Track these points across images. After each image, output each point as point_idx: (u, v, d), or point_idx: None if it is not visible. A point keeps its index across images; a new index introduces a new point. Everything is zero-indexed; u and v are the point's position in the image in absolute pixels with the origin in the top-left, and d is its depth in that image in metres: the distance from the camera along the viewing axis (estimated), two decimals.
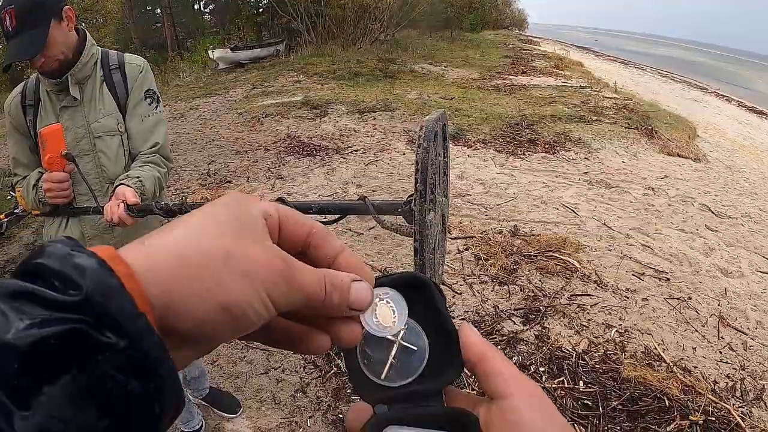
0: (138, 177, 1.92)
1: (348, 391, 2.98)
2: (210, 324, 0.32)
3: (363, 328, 0.40)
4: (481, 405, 0.39)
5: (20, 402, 0.24)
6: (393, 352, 0.42)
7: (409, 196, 1.20)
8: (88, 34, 2.06)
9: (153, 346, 0.28)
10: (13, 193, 2.33)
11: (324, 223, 1.43)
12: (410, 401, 0.41)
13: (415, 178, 1.11)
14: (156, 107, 2.15)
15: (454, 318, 3.54)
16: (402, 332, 0.42)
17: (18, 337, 0.24)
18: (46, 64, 1.90)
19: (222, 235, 0.34)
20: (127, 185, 1.86)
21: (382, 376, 0.42)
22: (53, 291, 0.27)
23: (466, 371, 0.41)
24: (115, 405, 0.26)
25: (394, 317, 0.42)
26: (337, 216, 1.39)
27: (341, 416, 2.82)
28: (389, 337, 0.42)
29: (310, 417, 2.84)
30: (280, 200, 1.39)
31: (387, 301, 0.42)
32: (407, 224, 1.24)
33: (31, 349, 0.24)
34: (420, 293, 0.44)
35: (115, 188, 1.87)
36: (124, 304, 0.27)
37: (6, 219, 4.86)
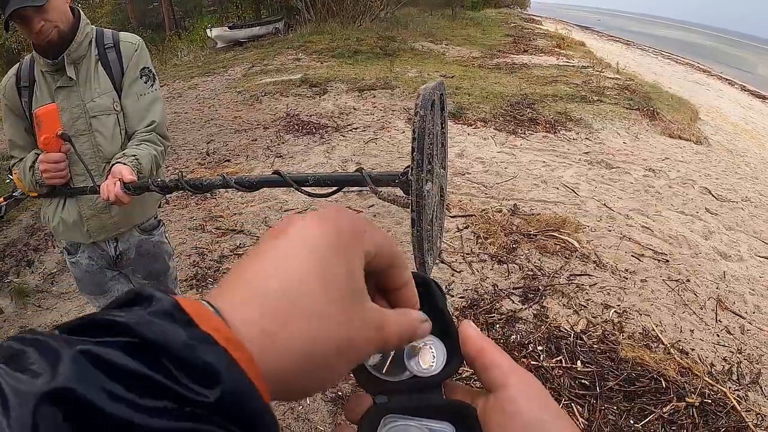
0: (134, 155, 1.90)
1: None
2: (311, 393, 0.34)
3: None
4: (479, 397, 0.40)
5: None
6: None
7: (406, 167, 1.18)
8: (82, 13, 2.02)
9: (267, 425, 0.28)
10: (11, 176, 2.31)
11: (321, 196, 1.42)
12: (410, 393, 0.42)
13: (412, 147, 1.09)
14: (152, 85, 2.13)
15: (453, 296, 3.54)
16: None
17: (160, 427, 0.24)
18: (45, 30, 1.86)
19: (331, 315, 0.33)
20: (124, 163, 1.84)
21: (383, 370, 0.43)
22: (180, 386, 0.25)
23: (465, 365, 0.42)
24: None
25: (433, 361, 0.43)
26: (333, 188, 1.37)
27: (340, 394, 2.84)
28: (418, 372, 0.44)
29: None
30: (277, 173, 1.37)
31: (429, 347, 0.44)
32: (404, 196, 1.22)
33: None
34: (422, 291, 0.44)
35: (111, 167, 1.85)
36: (257, 405, 0.27)
37: (5, 202, 4.83)
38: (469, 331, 0.42)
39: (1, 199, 4.91)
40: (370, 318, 0.35)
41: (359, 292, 0.35)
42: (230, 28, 18.56)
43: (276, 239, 0.35)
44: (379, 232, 0.38)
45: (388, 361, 0.43)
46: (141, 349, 0.25)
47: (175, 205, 5.15)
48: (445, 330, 0.44)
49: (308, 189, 1.36)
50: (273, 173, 1.39)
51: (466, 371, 2.46)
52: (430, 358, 0.43)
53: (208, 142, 7.17)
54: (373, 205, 4.76)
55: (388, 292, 0.41)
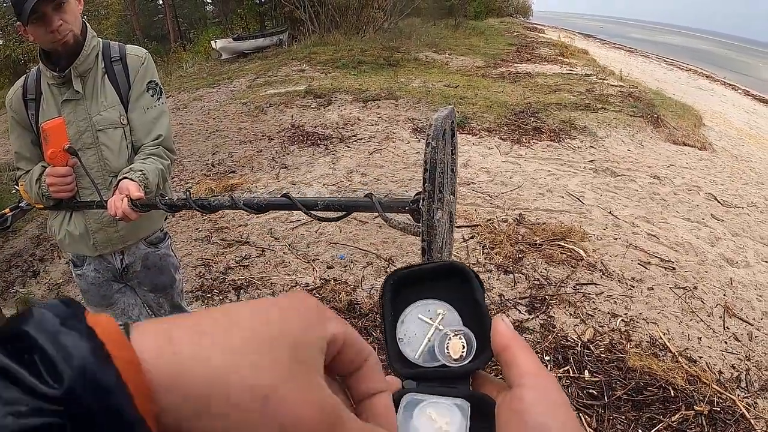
0: (141, 170, 1.91)
1: None
2: None
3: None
4: (504, 392, 0.40)
5: None
6: (430, 334, 0.44)
7: (417, 194, 1.18)
8: (88, 25, 2.04)
9: None
10: (17, 187, 2.32)
11: (330, 219, 1.42)
12: (439, 381, 0.43)
13: (424, 178, 1.09)
14: (158, 99, 2.14)
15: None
16: (441, 316, 0.45)
17: None
18: (62, 30, 1.88)
19: (270, 367, 0.28)
20: (131, 179, 1.85)
21: (417, 355, 0.44)
22: (35, 374, 0.22)
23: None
24: None
25: (463, 351, 0.43)
26: (342, 213, 1.38)
27: None
28: (427, 320, 0.44)
29: None
30: (286, 196, 1.38)
31: (460, 337, 0.43)
32: (414, 222, 1.22)
33: None
34: (461, 282, 0.45)
35: (118, 182, 1.86)
36: (122, 405, 0.23)
37: (11, 213, 4.85)
38: (501, 326, 0.41)
39: (8, 209, 4.93)
40: (323, 395, 0.30)
41: (314, 367, 0.31)
42: (235, 39, 18.70)
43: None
44: (351, 329, 0.35)
45: (422, 348, 0.44)
46: (15, 341, 0.23)
47: (180, 217, 5.17)
48: (479, 322, 0.44)
49: (317, 213, 1.37)
50: (282, 196, 1.39)
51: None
52: (460, 348, 0.43)
53: (214, 153, 7.20)
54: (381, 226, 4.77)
55: (360, 402, 0.37)
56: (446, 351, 0.43)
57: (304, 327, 0.32)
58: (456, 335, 0.43)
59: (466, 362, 0.43)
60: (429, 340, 0.44)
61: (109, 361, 0.23)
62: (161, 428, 0.25)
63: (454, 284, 0.46)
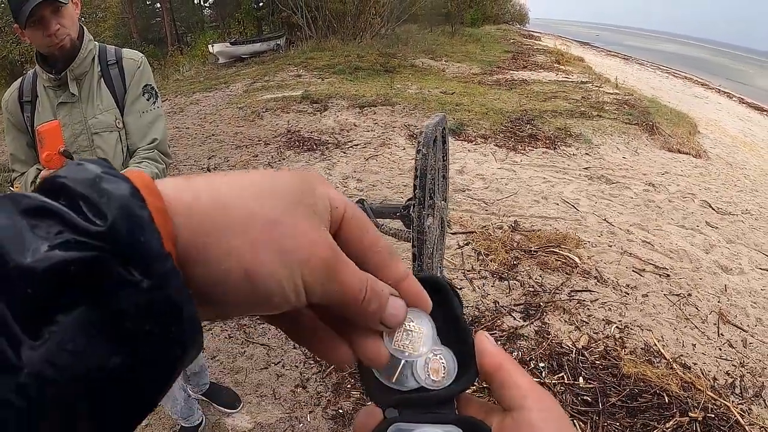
0: None
1: (348, 386, 2.98)
2: (229, 288, 0.29)
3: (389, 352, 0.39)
4: (494, 415, 0.39)
5: (31, 331, 0.22)
6: (405, 355, 0.40)
7: (408, 200, 1.19)
8: (85, 29, 2.04)
9: (177, 290, 0.26)
10: (12, 190, 2.31)
11: None
12: (422, 407, 0.40)
13: (414, 185, 1.10)
14: (154, 103, 2.14)
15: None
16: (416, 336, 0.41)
17: (37, 260, 0.22)
18: (60, 34, 1.88)
19: (274, 202, 0.31)
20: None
21: (393, 379, 0.41)
22: (78, 215, 0.24)
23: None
24: (130, 344, 0.25)
25: (444, 373, 0.41)
26: None
27: (341, 411, 2.82)
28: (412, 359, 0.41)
29: (310, 412, 2.84)
30: None
31: (440, 358, 0.41)
32: (406, 229, 1.23)
33: (49, 273, 0.23)
34: (437, 297, 0.42)
35: None
36: (152, 241, 0.25)
37: None
38: (487, 344, 0.39)
39: None
40: (324, 232, 0.33)
41: (317, 213, 0.33)
42: (232, 43, 18.74)
43: None
44: (354, 205, 0.36)
45: (398, 371, 0.40)
46: (57, 191, 0.26)
47: None
48: (459, 340, 0.41)
49: None
50: None
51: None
52: (441, 369, 0.40)
53: (210, 158, 7.20)
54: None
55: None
56: (426, 372, 0.40)
57: (309, 183, 0.34)
58: (435, 355, 0.40)
59: (448, 384, 0.40)
60: (405, 362, 0.40)
61: (144, 204, 0.26)
62: (180, 256, 0.28)
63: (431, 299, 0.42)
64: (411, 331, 0.39)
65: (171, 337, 0.26)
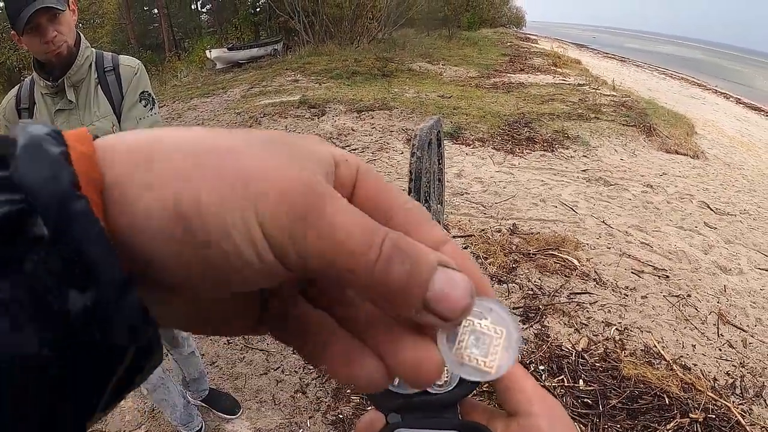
0: None
1: (348, 391, 2.97)
2: (156, 234, 0.21)
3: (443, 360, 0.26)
4: (498, 419, 0.38)
5: None
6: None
7: None
8: (82, 36, 2.05)
9: (89, 238, 0.19)
10: None
11: None
12: (425, 412, 0.39)
13: (409, 188, 1.09)
14: (151, 109, 2.14)
15: None
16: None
17: None
18: (57, 41, 1.88)
19: (232, 136, 0.23)
20: None
21: (395, 382, 0.40)
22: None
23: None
24: (54, 328, 0.18)
25: (447, 377, 0.37)
26: None
27: (341, 416, 2.82)
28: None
29: (309, 417, 2.83)
30: None
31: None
32: None
33: None
34: None
35: None
36: (61, 180, 0.19)
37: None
38: None
39: None
40: (307, 171, 0.23)
41: (312, 161, 0.24)
42: (229, 49, 18.76)
43: None
44: (369, 165, 0.27)
45: None
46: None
47: None
48: None
49: None
50: None
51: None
52: (444, 373, 0.38)
53: None
54: None
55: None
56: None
57: (308, 139, 0.25)
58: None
59: (451, 388, 0.39)
60: None
61: (61, 141, 0.21)
62: (109, 216, 0.21)
63: None
64: (482, 332, 0.27)
65: (94, 313, 0.19)
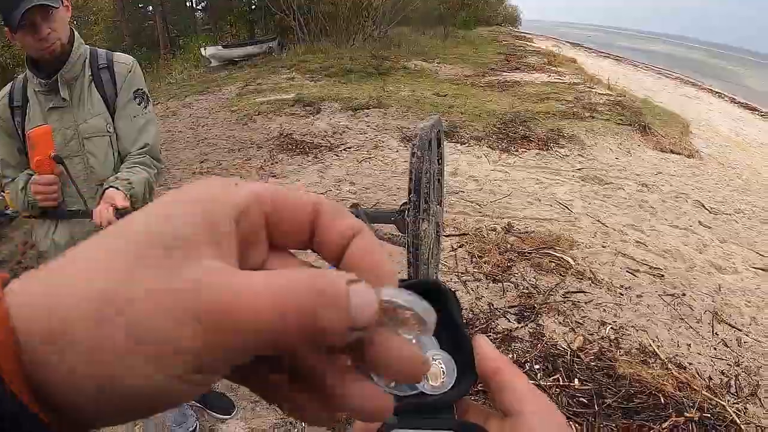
0: (127, 179, 1.90)
1: None
2: (97, 410, 0.23)
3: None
4: (493, 419, 0.38)
5: None
6: None
7: (403, 205, 1.17)
8: (76, 33, 2.03)
9: (11, 417, 0.20)
10: (3, 195, 2.30)
11: None
12: (421, 413, 0.39)
13: (409, 188, 1.08)
14: (145, 107, 2.13)
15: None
16: (413, 339, 0.40)
17: None
18: (51, 39, 1.87)
19: (109, 266, 0.23)
20: (117, 188, 1.83)
21: (391, 384, 0.40)
22: None
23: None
24: None
25: (443, 377, 0.38)
26: None
27: (337, 416, 2.80)
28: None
29: None
30: None
31: (438, 362, 0.38)
32: (401, 234, 1.21)
33: None
34: (435, 301, 0.41)
35: (104, 191, 1.85)
36: None
37: None
38: (485, 348, 0.39)
39: None
40: (188, 278, 0.23)
41: (193, 244, 0.24)
42: (224, 47, 18.71)
43: None
44: (282, 189, 0.28)
45: None
46: None
47: None
48: (458, 344, 0.40)
49: None
50: None
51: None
52: (440, 374, 0.39)
53: (202, 161, 7.17)
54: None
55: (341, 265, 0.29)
56: (424, 378, 0.39)
57: (178, 210, 0.25)
58: (434, 360, 0.39)
59: (447, 389, 0.39)
60: None
61: None
62: (40, 386, 0.22)
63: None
64: (400, 319, 0.29)
65: None
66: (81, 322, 0.22)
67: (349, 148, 7.36)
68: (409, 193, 1.08)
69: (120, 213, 1.74)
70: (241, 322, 0.22)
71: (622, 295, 3.87)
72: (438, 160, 1.30)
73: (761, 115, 12.83)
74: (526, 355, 3.22)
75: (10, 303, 0.22)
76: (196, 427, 2.71)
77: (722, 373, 3.17)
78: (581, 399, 2.87)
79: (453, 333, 0.41)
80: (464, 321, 0.41)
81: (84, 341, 0.21)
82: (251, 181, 0.28)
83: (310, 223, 0.28)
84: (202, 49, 18.63)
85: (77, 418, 0.23)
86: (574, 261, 4.26)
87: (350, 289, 0.24)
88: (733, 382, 3.09)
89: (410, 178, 1.06)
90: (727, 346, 3.41)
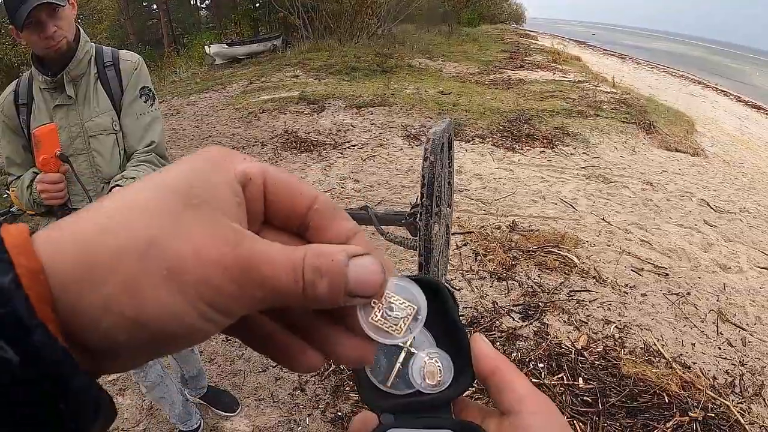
0: (134, 178, 1.90)
1: (347, 389, 2.97)
2: (125, 342, 0.25)
3: (374, 342, 0.33)
4: (491, 418, 0.38)
5: None
6: (400, 358, 0.40)
7: (413, 207, 1.17)
8: (81, 31, 2.03)
9: (54, 362, 0.22)
10: (8, 192, 2.31)
11: None
12: (418, 412, 0.39)
13: (421, 193, 1.08)
14: (151, 105, 2.13)
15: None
16: (411, 338, 0.40)
17: None
18: (57, 36, 1.87)
19: (148, 218, 0.26)
20: (123, 187, 1.84)
21: (388, 383, 0.40)
22: None
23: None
24: None
25: (440, 376, 0.39)
26: None
27: (340, 414, 2.81)
28: (399, 343, 0.38)
29: (308, 415, 2.83)
30: None
31: (436, 361, 0.39)
32: (411, 237, 1.21)
33: None
34: (433, 299, 0.40)
35: (110, 190, 1.85)
36: (18, 311, 0.22)
37: (1, 218, 4.82)
38: (483, 347, 0.39)
39: None
40: (224, 228, 0.27)
41: (213, 200, 0.28)
42: (228, 44, 18.72)
43: None
44: (277, 168, 0.31)
45: (393, 374, 0.40)
46: None
47: None
48: (455, 343, 0.40)
49: None
50: None
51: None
52: (437, 373, 0.39)
53: None
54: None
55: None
56: (422, 376, 0.39)
57: (201, 172, 0.28)
58: (431, 358, 0.39)
59: (444, 387, 0.39)
60: (400, 365, 0.40)
61: (11, 267, 0.23)
62: (67, 322, 0.24)
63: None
64: (395, 304, 0.34)
65: (63, 417, 0.23)
66: (125, 255, 0.24)
67: (353, 145, 7.36)
68: (422, 197, 1.07)
69: None
70: (266, 278, 0.27)
71: (627, 293, 3.86)
72: (449, 163, 1.30)
73: (767, 114, 12.78)
74: (531, 353, 3.21)
75: (40, 250, 0.24)
76: (200, 425, 2.72)
77: (727, 372, 3.16)
78: (585, 398, 2.87)
79: (451, 332, 0.41)
80: (462, 320, 0.41)
81: (122, 274, 0.24)
82: (245, 156, 0.31)
83: (304, 215, 0.31)
84: (206, 47, 18.64)
85: (102, 359, 0.26)
86: (579, 259, 4.25)
87: (353, 260, 0.29)
88: (737, 382, 3.08)
89: (422, 183, 1.06)
90: (732, 346, 3.41)
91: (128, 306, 0.24)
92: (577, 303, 3.72)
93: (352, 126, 8.26)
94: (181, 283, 0.25)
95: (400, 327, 0.34)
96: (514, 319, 3.55)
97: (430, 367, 0.39)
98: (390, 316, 0.33)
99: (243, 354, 3.30)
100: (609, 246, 4.55)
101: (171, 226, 0.26)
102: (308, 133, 7.94)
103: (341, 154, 7.04)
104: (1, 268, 0.23)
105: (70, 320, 0.24)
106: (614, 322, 3.53)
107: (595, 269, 4.14)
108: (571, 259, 4.24)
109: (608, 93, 10.98)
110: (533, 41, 24.95)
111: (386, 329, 0.33)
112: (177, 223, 0.26)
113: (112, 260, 0.24)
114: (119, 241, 0.25)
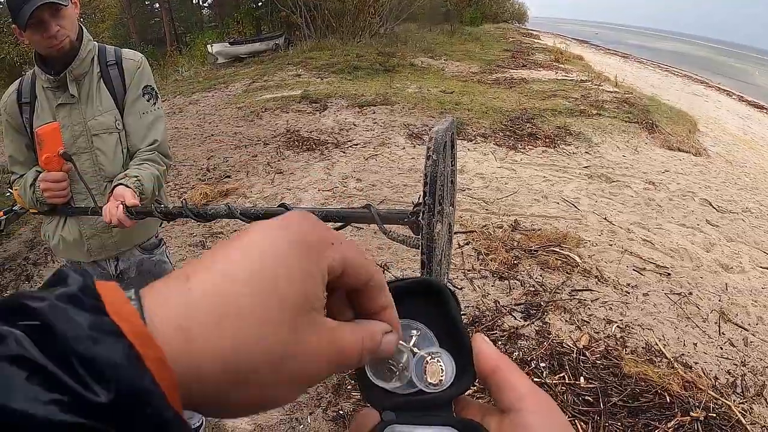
0: (137, 176, 1.90)
1: (349, 387, 2.97)
2: (239, 414, 0.32)
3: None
4: (492, 416, 0.38)
5: None
6: (404, 358, 0.41)
7: (416, 206, 1.17)
8: (84, 30, 2.03)
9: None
10: (11, 191, 2.31)
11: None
12: (419, 410, 0.40)
13: (424, 191, 1.08)
14: (154, 104, 2.13)
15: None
16: (414, 339, 0.41)
17: (40, 413, 0.21)
18: (60, 36, 1.87)
19: (280, 322, 0.30)
20: (126, 185, 1.84)
21: (390, 382, 0.41)
22: (77, 379, 0.23)
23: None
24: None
25: (442, 375, 0.40)
26: (339, 224, 1.37)
27: (341, 412, 2.82)
28: (400, 343, 0.40)
29: (310, 413, 2.83)
30: (283, 206, 1.37)
31: (437, 359, 0.41)
32: (413, 235, 1.21)
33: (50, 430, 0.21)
34: (435, 299, 0.43)
35: (113, 188, 1.85)
36: (160, 408, 0.24)
37: (4, 216, 4.84)
38: (483, 346, 0.40)
39: (1, 213, 4.91)
40: (325, 332, 0.33)
41: (315, 302, 0.33)
42: (231, 43, 18.77)
43: (232, 241, 0.32)
44: (350, 247, 0.36)
45: (396, 375, 0.41)
46: (43, 334, 0.23)
47: (175, 222, 5.15)
48: (457, 342, 0.41)
49: None
50: (279, 205, 1.38)
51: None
52: (439, 371, 0.40)
53: (209, 158, 7.19)
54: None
55: (365, 317, 0.38)
56: (424, 375, 0.40)
57: (310, 263, 0.33)
58: (433, 358, 0.40)
59: (446, 386, 0.40)
60: (403, 365, 0.41)
61: (142, 363, 0.25)
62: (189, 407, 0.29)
63: (428, 302, 0.43)
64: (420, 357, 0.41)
65: None
66: (261, 367, 0.30)
67: (355, 144, 7.36)
68: (424, 196, 1.08)
69: (129, 210, 1.74)
70: (350, 361, 0.35)
71: (629, 293, 3.86)
72: (451, 162, 1.30)
73: None
74: (532, 353, 3.22)
75: (182, 369, 0.27)
76: (202, 423, 2.72)
77: (728, 372, 3.16)
78: (587, 397, 2.87)
79: (452, 331, 0.42)
80: (464, 319, 0.43)
81: (260, 383, 0.30)
82: (332, 238, 0.35)
83: (361, 287, 0.37)
84: (208, 46, 18.70)
85: (199, 402, 0.30)
86: (581, 259, 4.25)
87: (383, 338, 0.37)
88: (739, 382, 3.08)
89: (425, 182, 1.06)
90: (734, 346, 3.40)
91: (257, 399, 0.31)
92: (578, 302, 3.71)
93: (355, 125, 8.26)
94: (301, 384, 0.32)
95: (437, 380, 0.41)
96: (515, 319, 3.55)
97: (432, 367, 0.40)
98: (430, 374, 0.40)
99: None
100: (611, 245, 4.55)
101: (294, 341, 0.31)
102: (311, 132, 7.94)
103: (343, 153, 7.05)
104: (137, 370, 0.25)
105: (197, 401, 0.29)
106: (616, 322, 3.52)
107: (597, 269, 4.14)
108: (573, 259, 4.24)
109: (611, 92, 10.97)
110: (536, 40, 24.94)
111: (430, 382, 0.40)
112: (295, 335, 0.31)
113: (252, 373, 0.29)
114: (255, 356, 0.29)
